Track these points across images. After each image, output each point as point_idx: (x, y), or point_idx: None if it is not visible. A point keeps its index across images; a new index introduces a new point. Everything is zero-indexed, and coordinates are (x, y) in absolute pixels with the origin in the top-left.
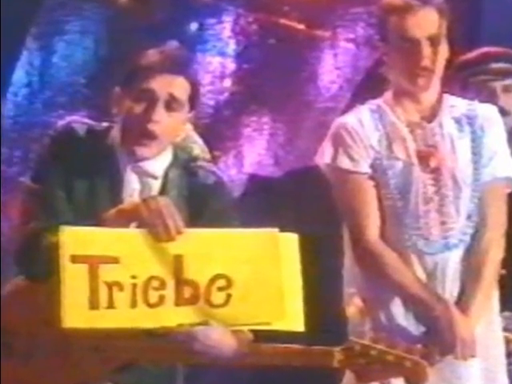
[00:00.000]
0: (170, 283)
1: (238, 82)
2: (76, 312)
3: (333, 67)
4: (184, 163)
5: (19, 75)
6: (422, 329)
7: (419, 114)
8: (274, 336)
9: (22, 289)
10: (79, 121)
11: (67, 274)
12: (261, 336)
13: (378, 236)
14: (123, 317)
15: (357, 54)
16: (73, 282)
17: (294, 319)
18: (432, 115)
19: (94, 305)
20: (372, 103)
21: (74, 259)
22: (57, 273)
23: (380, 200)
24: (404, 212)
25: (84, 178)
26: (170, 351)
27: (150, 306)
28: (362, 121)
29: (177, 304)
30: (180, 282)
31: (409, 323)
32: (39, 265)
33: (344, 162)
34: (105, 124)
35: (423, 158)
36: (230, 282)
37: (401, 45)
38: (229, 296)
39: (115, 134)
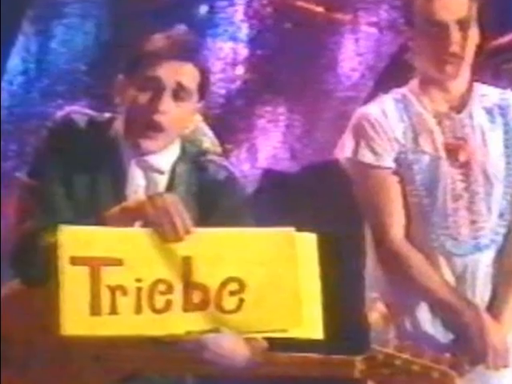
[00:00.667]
0: (178, 287)
1: (252, 69)
2: (76, 318)
3: (354, 53)
4: (193, 157)
5: (15, 62)
6: (451, 336)
7: (447, 104)
8: (290, 344)
9: (18, 293)
10: (79, 111)
11: (66, 277)
12: (276, 344)
13: (403, 236)
14: (127, 323)
15: (380, 39)
16: (72, 286)
17: (311, 326)
18: (461, 105)
19: (95, 310)
20: (396, 92)
21: (74, 261)
22: (55, 276)
23: (405, 197)
24: (431, 210)
25: (85, 173)
26: (177, 361)
27: (156, 311)
28: (385, 111)
29: (185, 309)
30: (189, 285)
31: (436, 330)
32: (36, 267)
33: (366, 156)
34: (107, 115)
35: (452, 151)
36: (242, 286)
37: (427, 29)
38: (241, 301)
39: (118, 125)
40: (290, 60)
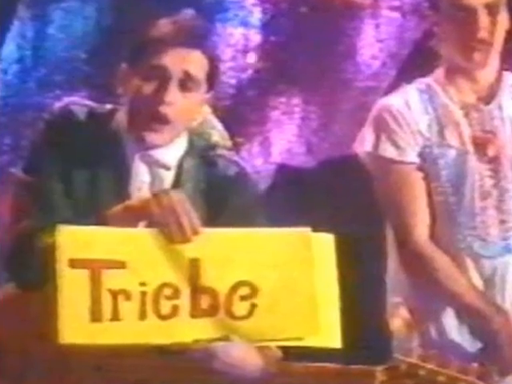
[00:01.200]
0: (185, 291)
1: (265, 57)
2: (75, 325)
3: (374, 40)
4: (201, 152)
5: (9, 49)
6: (479, 345)
7: (475, 95)
8: (306, 353)
9: (13, 298)
10: (79, 102)
11: (65, 281)
12: (291, 353)
13: (428, 237)
14: (130, 331)
15: (403, 24)
16: (71, 291)
17: (329, 333)
18: (490, 96)
19: (96, 317)
20: (420, 82)
21: (73, 263)
22: (53, 279)
23: (430, 194)
24: (457, 209)
25: (85, 169)
26: (184, 371)
27: (162, 317)
28: (408, 102)
29: (193, 315)
30: (196, 290)
31: (463, 338)
32: (33, 270)
33: (388, 151)
34: (109, 106)
35: (480, 145)
36: (254, 290)
37: (454, 13)
38: (253, 306)
39: (121, 117)
40: (305, 47)
